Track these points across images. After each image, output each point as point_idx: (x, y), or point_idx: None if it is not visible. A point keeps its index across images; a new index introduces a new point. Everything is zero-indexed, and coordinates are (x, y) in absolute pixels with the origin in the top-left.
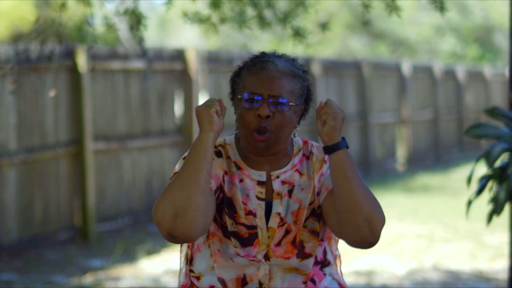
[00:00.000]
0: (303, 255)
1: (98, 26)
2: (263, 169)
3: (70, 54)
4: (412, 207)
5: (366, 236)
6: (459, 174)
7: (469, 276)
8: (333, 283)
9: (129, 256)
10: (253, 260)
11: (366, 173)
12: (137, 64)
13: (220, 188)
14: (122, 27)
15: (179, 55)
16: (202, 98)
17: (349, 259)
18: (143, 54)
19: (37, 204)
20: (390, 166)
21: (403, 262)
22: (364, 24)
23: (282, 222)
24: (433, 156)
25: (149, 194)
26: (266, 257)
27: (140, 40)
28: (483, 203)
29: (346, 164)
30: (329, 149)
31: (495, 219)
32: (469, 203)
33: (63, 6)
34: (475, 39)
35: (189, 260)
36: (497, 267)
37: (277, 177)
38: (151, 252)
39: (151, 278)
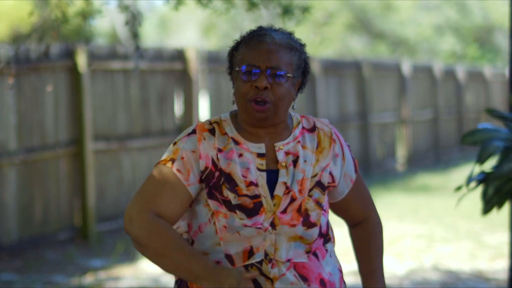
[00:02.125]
0: (308, 223)
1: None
2: (262, 141)
3: (69, 54)
4: (412, 207)
5: None
6: (459, 174)
7: (469, 276)
8: (335, 269)
9: (129, 256)
10: (259, 228)
11: (366, 173)
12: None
13: (213, 166)
14: (119, 23)
15: (179, 55)
16: (202, 98)
17: (349, 259)
18: (136, 48)
19: (37, 204)
20: (390, 166)
21: (403, 262)
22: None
23: (287, 190)
24: (433, 156)
25: None
26: (272, 225)
27: (135, 36)
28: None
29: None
30: None
31: (495, 219)
32: (459, 188)
33: (63, 14)
34: (475, 39)
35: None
36: (497, 267)
37: (281, 148)
38: None
39: (151, 278)
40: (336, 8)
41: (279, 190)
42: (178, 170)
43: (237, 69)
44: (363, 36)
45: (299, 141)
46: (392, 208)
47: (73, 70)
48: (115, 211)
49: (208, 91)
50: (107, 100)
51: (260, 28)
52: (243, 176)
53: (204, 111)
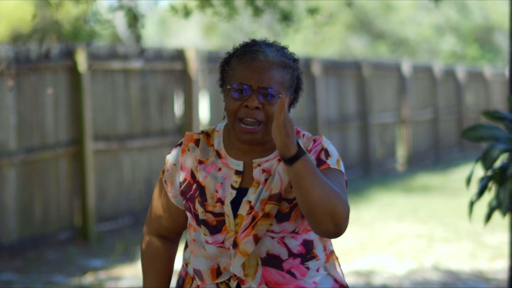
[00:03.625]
0: (256, 238)
1: (95, 23)
2: (242, 159)
3: (69, 54)
4: (412, 207)
5: (330, 229)
6: (459, 174)
7: (469, 276)
8: (328, 278)
9: (129, 256)
10: (221, 247)
11: (366, 173)
12: (137, 64)
13: (192, 179)
14: (120, 23)
15: (179, 55)
16: (202, 98)
17: (349, 259)
18: (141, 51)
19: (37, 204)
20: (390, 166)
21: (403, 262)
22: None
23: (251, 210)
24: (433, 156)
25: (149, 194)
26: (235, 245)
27: (138, 38)
28: (483, 204)
29: (307, 171)
30: (289, 161)
31: (495, 219)
32: (471, 204)
33: (59, 5)
34: (475, 39)
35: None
36: (497, 267)
37: (259, 165)
38: None
39: None
40: (336, 8)
41: (243, 209)
42: (165, 181)
43: (228, 86)
44: (363, 36)
45: (279, 159)
46: (392, 208)
47: (73, 70)
48: (115, 211)
49: (208, 91)
50: (107, 100)
51: (253, 43)
52: (216, 191)
53: (204, 111)
